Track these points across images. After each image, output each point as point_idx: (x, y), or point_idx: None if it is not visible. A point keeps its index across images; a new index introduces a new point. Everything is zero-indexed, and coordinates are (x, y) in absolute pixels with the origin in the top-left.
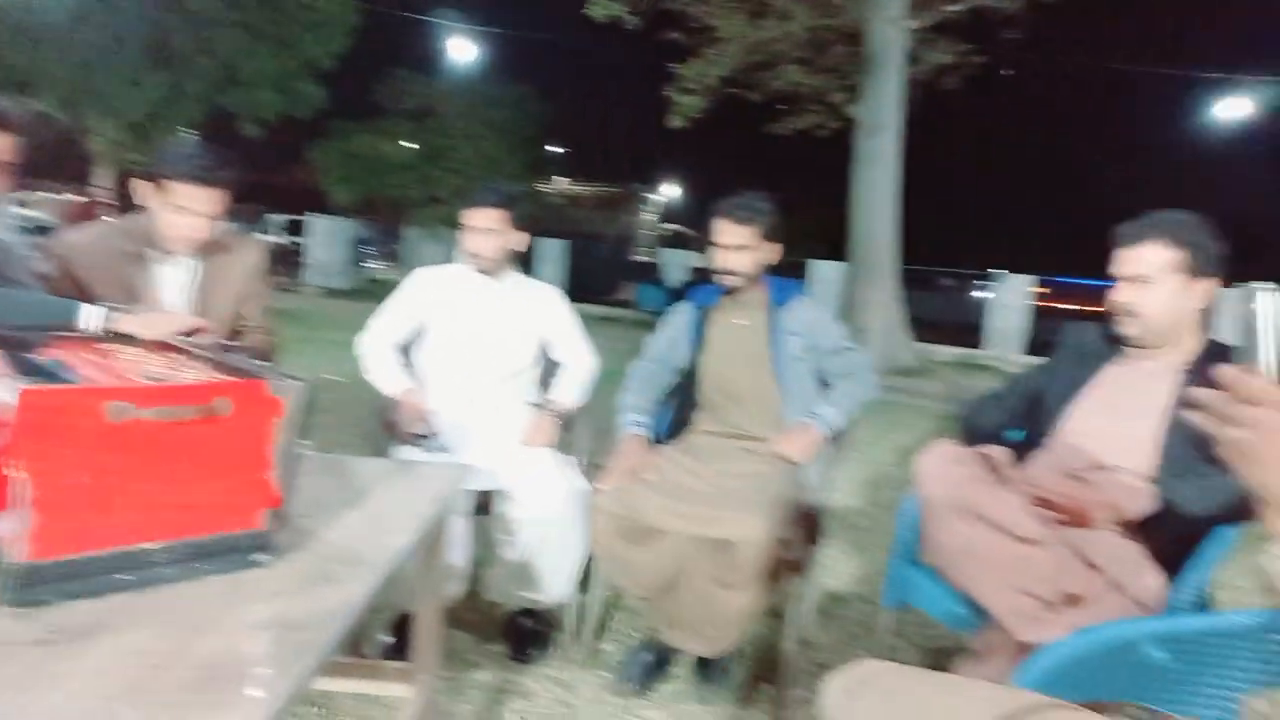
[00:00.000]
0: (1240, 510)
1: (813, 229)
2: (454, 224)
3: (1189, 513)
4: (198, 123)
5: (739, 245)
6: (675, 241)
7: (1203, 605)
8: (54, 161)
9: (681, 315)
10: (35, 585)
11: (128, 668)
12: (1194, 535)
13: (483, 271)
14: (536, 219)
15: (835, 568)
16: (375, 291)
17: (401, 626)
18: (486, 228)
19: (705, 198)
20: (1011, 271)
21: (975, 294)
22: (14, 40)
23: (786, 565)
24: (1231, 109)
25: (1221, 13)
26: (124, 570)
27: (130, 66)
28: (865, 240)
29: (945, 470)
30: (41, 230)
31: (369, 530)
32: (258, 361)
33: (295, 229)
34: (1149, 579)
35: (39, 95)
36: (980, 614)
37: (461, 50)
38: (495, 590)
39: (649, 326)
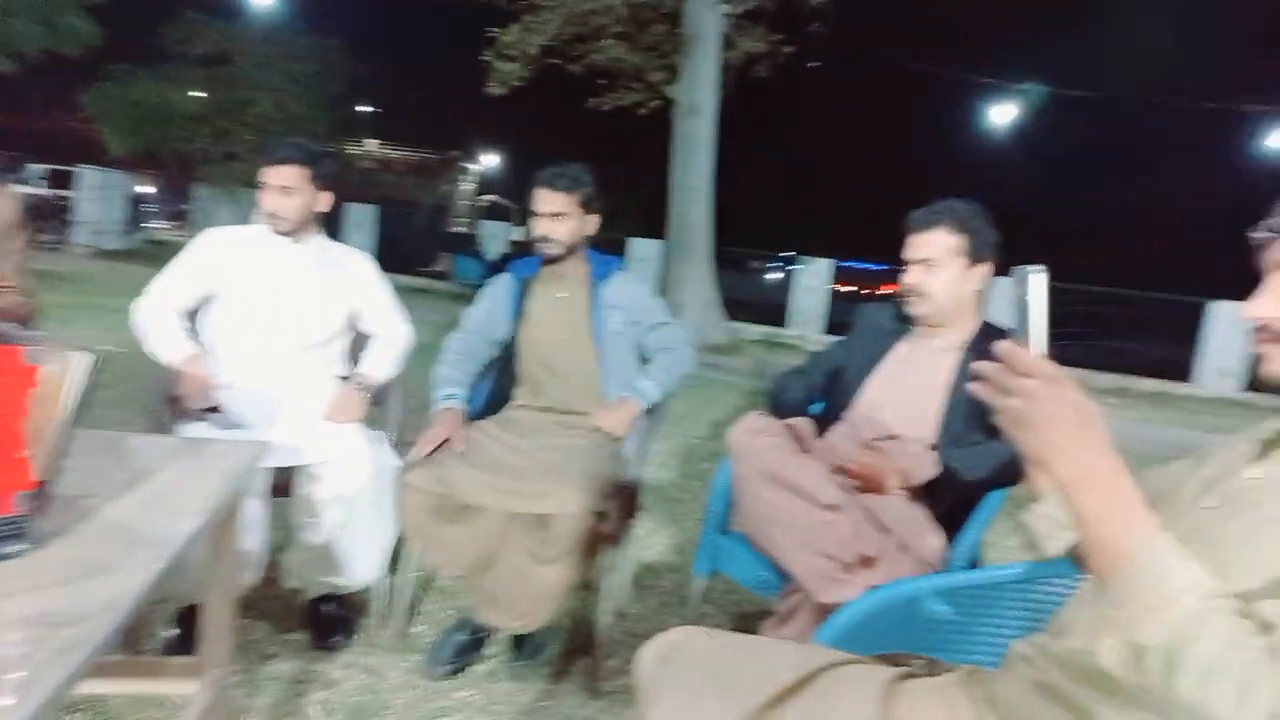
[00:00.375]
0: (1012, 474)
1: (632, 206)
2: (251, 184)
3: (966, 478)
4: None
5: (557, 213)
6: (494, 213)
7: (976, 562)
8: None
9: (501, 287)
10: None
11: None
12: (971, 498)
13: (282, 233)
14: (344, 181)
15: (649, 539)
16: (157, 254)
17: (187, 619)
18: (286, 185)
19: (526, 169)
20: (812, 255)
21: (779, 275)
22: None
23: (603, 538)
24: (1003, 113)
25: (999, 23)
26: None
27: None
28: (681, 220)
29: (755, 441)
30: None
31: (149, 514)
32: (10, 326)
33: (61, 181)
34: (932, 539)
35: None
36: (785, 578)
37: None
38: (296, 576)
39: (466, 299)
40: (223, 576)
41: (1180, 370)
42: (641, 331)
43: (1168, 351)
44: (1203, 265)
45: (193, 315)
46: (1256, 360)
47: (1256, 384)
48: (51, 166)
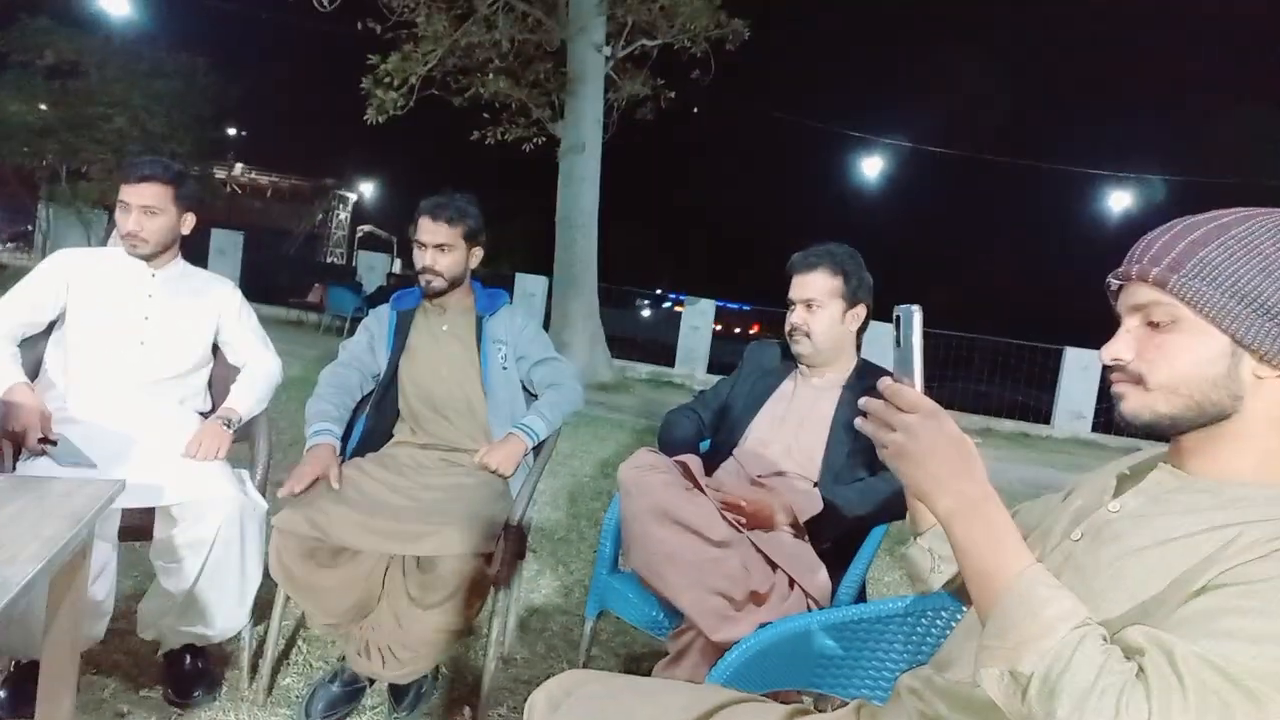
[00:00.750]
0: (894, 510)
1: (520, 241)
2: (103, 204)
3: (849, 513)
4: None
5: (441, 244)
6: (371, 243)
7: (862, 596)
8: None
9: (381, 320)
10: None
11: None
12: (856, 534)
13: (141, 256)
14: (208, 204)
15: (536, 581)
16: None
17: (23, 675)
18: (147, 205)
19: (407, 199)
20: (695, 296)
21: (658, 314)
22: None
23: (487, 581)
24: (872, 165)
25: (872, 81)
26: None
27: None
28: (568, 256)
29: (645, 477)
30: None
31: None
32: None
33: None
34: (820, 575)
35: None
36: (675, 617)
37: (116, 4)
38: (152, 627)
39: (340, 332)
40: (65, 628)
41: (1040, 413)
42: (528, 367)
43: (1028, 395)
44: (1062, 313)
45: (43, 341)
46: (1115, 400)
47: (1112, 425)
48: None
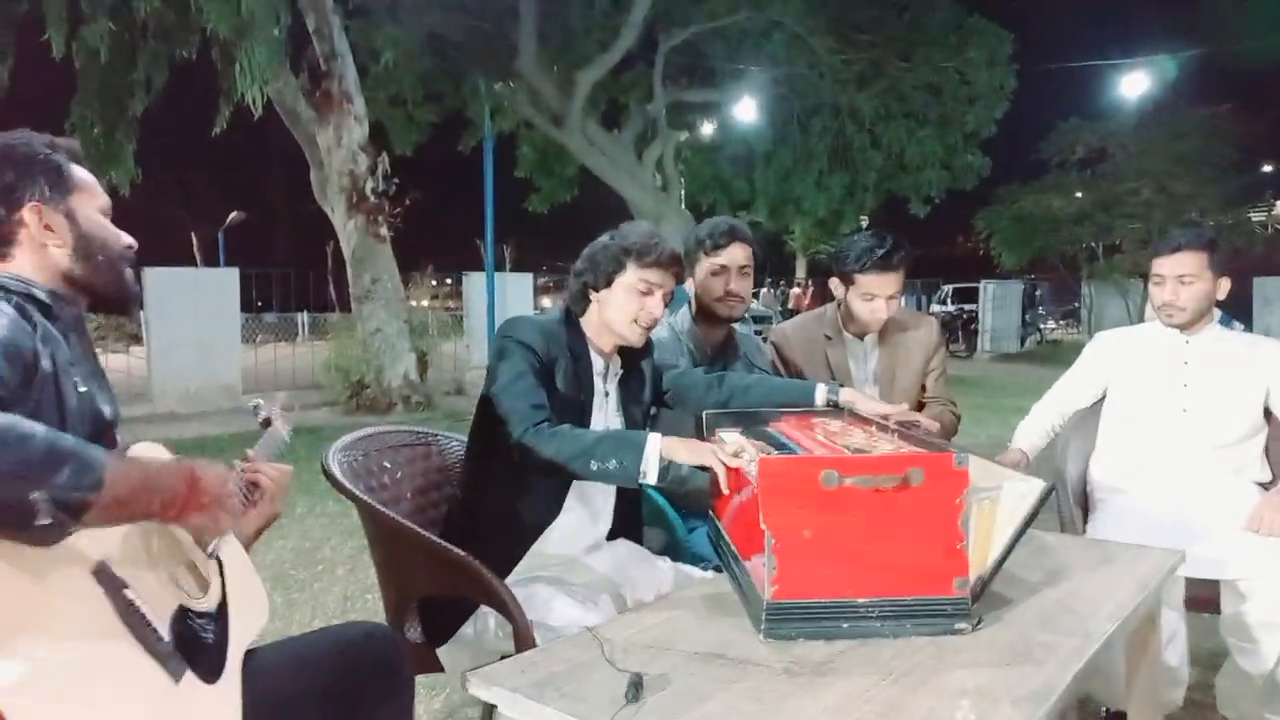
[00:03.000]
0: None
1: None
2: (1137, 273)
3: None
4: (871, 210)
5: None
6: None
7: None
8: (763, 260)
9: None
10: (781, 621)
11: (856, 711)
12: None
13: (1176, 326)
14: (1244, 253)
15: None
16: (1050, 354)
17: None
18: (1182, 274)
19: None
20: None
21: None
22: (734, 168)
23: None
24: None
25: None
26: (844, 619)
27: (816, 172)
28: None
29: None
30: (758, 320)
31: (1066, 611)
32: (940, 437)
33: (964, 296)
34: None
35: (755, 209)
36: None
37: (1134, 86)
38: (1231, 705)
39: None
40: (1144, 687)
41: None
42: None
43: None
44: None
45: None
46: None
47: None
48: (955, 285)
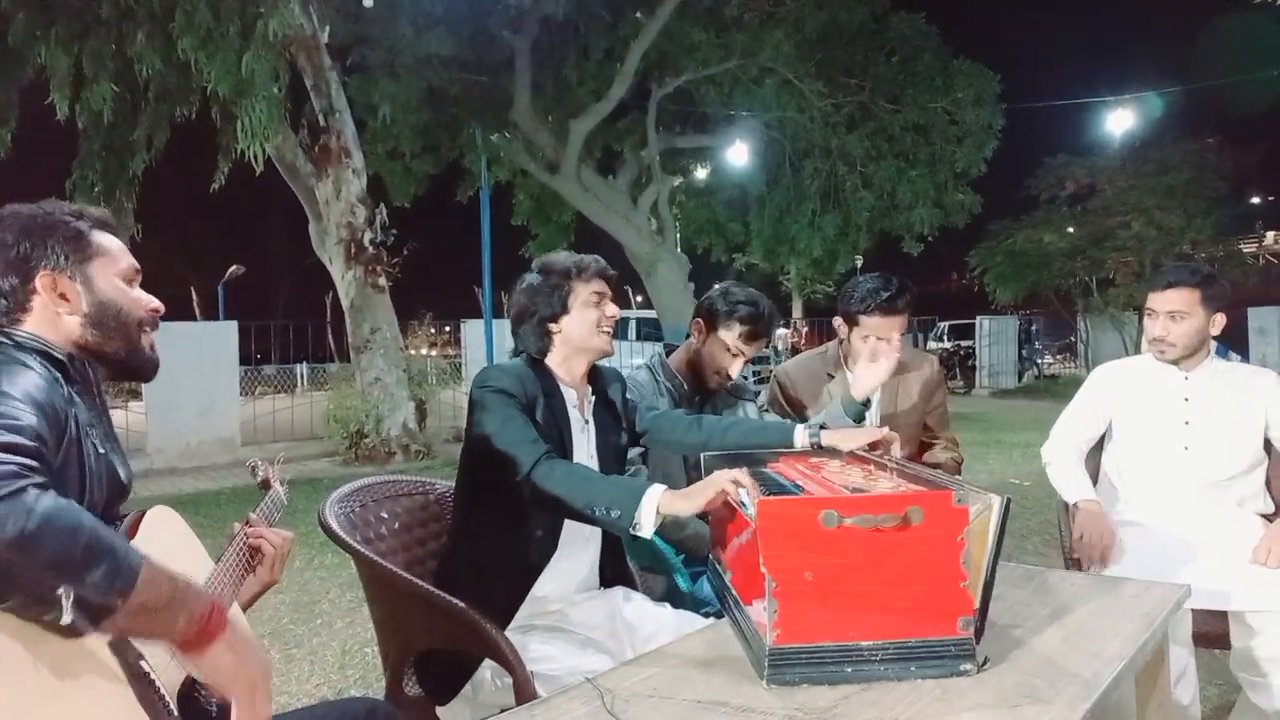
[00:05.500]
0: None
1: None
2: (1130, 306)
3: None
4: (865, 249)
5: None
6: None
7: None
8: None
9: None
10: (784, 667)
11: None
12: None
13: (1169, 361)
14: (1238, 285)
15: None
16: (1047, 389)
17: None
18: (1174, 310)
19: None
20: None
21: None
22: (729, 211)
23: None
24: None
25: None
26: (848, 663)
27: (810, 213)
28: None
29: None
30: (753, 361)
31: (1072, 650)
32: (944, 474)
33: (960, 332)
34: None
35: (750, 251)
36: None
37: (1120, 122)
38: None
39: None
40: None
41: None
42: None
43: None
44: None
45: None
46: None
47: None
48: (952, 322)
